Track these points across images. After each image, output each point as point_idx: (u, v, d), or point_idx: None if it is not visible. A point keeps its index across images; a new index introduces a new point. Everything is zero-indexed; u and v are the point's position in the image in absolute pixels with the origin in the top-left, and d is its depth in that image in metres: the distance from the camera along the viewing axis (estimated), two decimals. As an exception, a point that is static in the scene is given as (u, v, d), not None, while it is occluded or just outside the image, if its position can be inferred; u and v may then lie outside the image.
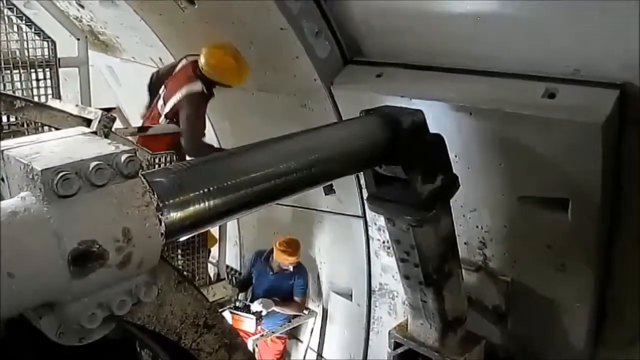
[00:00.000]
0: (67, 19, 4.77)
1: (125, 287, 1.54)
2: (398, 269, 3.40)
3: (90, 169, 1.41)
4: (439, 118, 3.37)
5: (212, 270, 4.90)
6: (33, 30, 4.07)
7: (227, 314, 5.52)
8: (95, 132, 1.72)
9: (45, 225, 1.36)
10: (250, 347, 5.25)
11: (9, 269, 1.28)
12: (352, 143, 2.57)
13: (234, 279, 6.13)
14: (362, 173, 3.28)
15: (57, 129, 2.90)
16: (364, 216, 4.78)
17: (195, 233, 3.69)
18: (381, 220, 4.13)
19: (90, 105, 3.88)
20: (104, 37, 6.61)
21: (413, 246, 3.10)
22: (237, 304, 5.74)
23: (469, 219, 3.83)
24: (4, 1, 4.10)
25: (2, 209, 1.36)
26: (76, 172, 1.39)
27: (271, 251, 5.63)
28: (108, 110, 3.22)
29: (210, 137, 4.64)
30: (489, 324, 3.97)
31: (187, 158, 4.31)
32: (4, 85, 4.00)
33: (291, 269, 5.62)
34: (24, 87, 4.07)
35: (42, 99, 4.00)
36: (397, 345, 3.76)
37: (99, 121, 3.00)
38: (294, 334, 6.16)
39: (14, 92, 3.93)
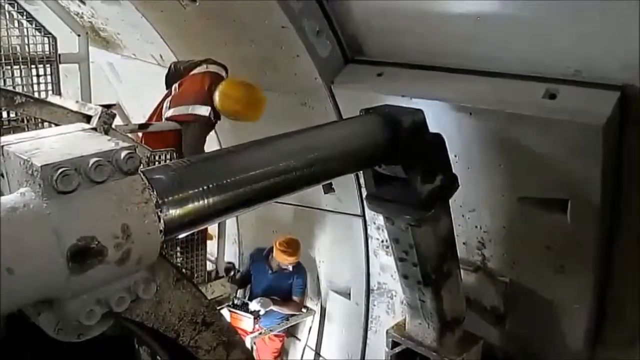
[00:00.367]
0: (68, 15, 4.75)
1: (124, 283, 1.54)
2: (397, 268, 3.40)
3: (89, 165, 1.41)
4: (439, 118, 3.37)
5: (209, 267, 4.90)
6: (34, 26, 4.05)
7: (225, 312, 5.52)
8: (95, 129, 1.71)
9: (45, 221, 1.36)
10: (248, 345, 5.26)
11: (8, 264, 1.28)
12: (352, 142, 2.56)
13: (234, 273, 6.11)
14: (361, 172, 3.28)
15: (57, 125, 2.90)
16: (363, 215, 4.78)
17: (194, 230, 3.71)
18: (380, 220, 4.13)
19: (90, 102, 3.88)
20: (104, 33, 6.61)
21: (412, 245, 3.10)
22: (236, 301, 5.74)
23: (468, 219, 3.83)
24: (5, -3, 4.09)
25: (2, 204, 1.35)
26: (76, 168, 1.39)
27: (271, 250, 5.63)
28: (108, 106, 3.22)
29: (210, 136, 4.63)
30: (487, 325, 3.97)
31: None
32: (4, 80, 3.99)
33: (290, 269, 5.62)
34: (24, 82, 4.06)
35: (43, 95, 3.99)
36: (394, 344, 3.76)
37: (99, 118, 2.99)
38: (292, 333, 6.16)
39: (14, 87, 3.92)
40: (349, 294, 5.33)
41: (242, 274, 6.01)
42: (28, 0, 4.60)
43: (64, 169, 1.36)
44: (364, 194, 3.24)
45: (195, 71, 4.64)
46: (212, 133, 5.27)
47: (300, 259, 5.65)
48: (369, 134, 2.65)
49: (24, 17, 4.02)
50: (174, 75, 4.80)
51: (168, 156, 3.85)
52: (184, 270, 4.22)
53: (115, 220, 1.45)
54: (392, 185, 2.94)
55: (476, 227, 3.83)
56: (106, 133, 2.92)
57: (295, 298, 5.71)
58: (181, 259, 4.37)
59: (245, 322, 5.63)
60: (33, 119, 3.15)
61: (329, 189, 4.87)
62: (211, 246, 4.91)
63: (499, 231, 3.73)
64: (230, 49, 4.87)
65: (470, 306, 3.89)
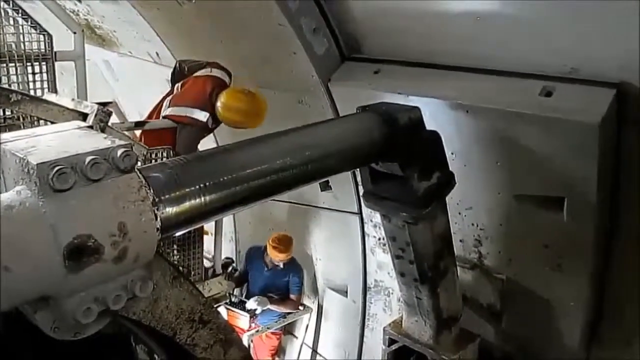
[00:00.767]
0: (64, 13, 4.73)
1: (120, 281, 1.54)
2: (393, 266, 3.40)
3: (86, 163, 1.41)
4: (435, 115, 3.38)
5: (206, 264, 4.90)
6: (29, 23, 4.03)
7: (222, 310, 5.52)
8: (91, 127, 1.71)
9: (41, 219, 1.36)
10: (245, 343, 5.26)
11: (4, 263, 1.28)
12: (349, 139, 2.56)
13: (232, 269, 6.09)
14: (358, 170, 3.28)
15: (52, 123, 2.89)
16: (360, 213, 4.78)
17: (191, 228, 3.71)
18: (377, 217, 4.14)
19: (86, 100, 3.86)
20: (100, 31, 6.59)
21: (408, 243, 3.11)
22: (233, 299, 5.74)
23: (465, 217, 3.84)
24: (1, -6, 4.08)
25: (-2, 202, 1.35)
26: (72, 166, 1.39)
27: (266, 247, 5.64)
28: (104, 104, 3.20)
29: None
30: (483, 322, 3.98)
31: None
32: (0, 78, 3.97)
33: (282, 266, 5.62)
34: (19, 80, 4.05)
35: (38, 93, 3.98)
36: (391, 341, 3.77)
37: (95, 115, 2.98)
38: (289, 330, 6.17)
39: (9, 85, 3.91)
40: (346, 292, 5.34)
41: (239, 272, 6.02)
42: (24, -3, 4.58)
43: (60, 167, 1.36)
44: (361, 191, 3.24)
45: (198, 73, 4.61)
46: (210, 132, 5.26)
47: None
48: (366, 131, 2.65)
49: (20, 15, 4.00)
50: (178, 74, 4.78)
51: (165, 154, 3.84)
52: (180, 268, 4.22)
53: (111, 218, 1.44)
54: (389, 183, 2.94)
55: (473, 224, 3.84)
56: (102, 131, 2.92)
57: (292, 296, 5.71)
58: (178, 257, 4.37)
59: (242, 320, 5.64)
60: (29, 117, 3.15)
61: (325, 186, 4.89)
62: (208, 244, 4.91)
63: (495, 229, 3.74)
64: (227, 46, 4.86)
65: (467, 304, 3.90)
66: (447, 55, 3.61)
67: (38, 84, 4.11)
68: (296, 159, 2.21)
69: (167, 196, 1.69)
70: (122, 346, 2.35)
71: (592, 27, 2.84)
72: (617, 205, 3.20)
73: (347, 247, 5.07)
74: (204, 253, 4.70)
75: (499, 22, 3.20)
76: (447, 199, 3.15)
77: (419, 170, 2.84)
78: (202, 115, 4.34)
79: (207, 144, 4.57)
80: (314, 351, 5.93)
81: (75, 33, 4.46)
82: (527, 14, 3.06)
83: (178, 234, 3.92)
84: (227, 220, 6.00)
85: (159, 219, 1.58)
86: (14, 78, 4.03)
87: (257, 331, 5.64)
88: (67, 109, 3.04)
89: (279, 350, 6.23)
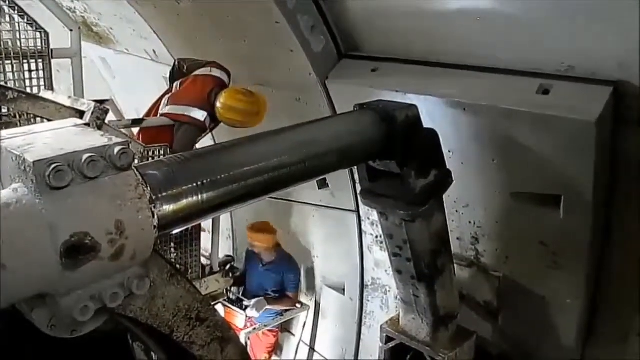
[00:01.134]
0: (61, 10, 4.70)
1: (117, 279, 1.54)
2: (390, 263, 3.41)
3: (82, 161, 1.40)
4: (433, 113, 3.38)
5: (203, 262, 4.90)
6: (26, 20, 4.02)
7: (219, 307, 5.52)
8: (88, 124, 1.71)
9: (38, 217, 1.36)
10: (242, 341, 5.26)
11: (1, 260, 1.28)
12: (346, 137, 2.56)
13: (230, 267, 6.08)
14: (355, 168, 3.28)
15: (49, 120, 2.89)
16: (357, 211, 4.79)
17: (188, 226, 3.71)
18: (374, 215, 4.14)
19: (83, 97, 3.85)
20: (97, 28, 6.57)
21: (406, 241, 3.11)
22: (231, 296, 5.74)
23: (462, 215, 3.84)
24: (-4, -9, 4.06)
25: (-6, 200, 1.35)
26: (69, 164, 1.39)
27: None
28: (101, 102, 3.20)
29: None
30: (480, 320, 3.99)
31: None
32: (-4, 76, 3.97)
33: (269, 258, 5.62)
34: (16, 78, 4.03)
35: (35, 90, 3.96)
36: (388, 339, 3.77)
37: (92, 113, 2.98)
38: (286, 328, 6.17)
39: (6, 83, 3.89)
40: (343, 290, 5.34)
41: (240, 272, 5.98)
42: (20, -6, 4.56)
43: (56, 164, 1.36)
44: (358, 189, 3.24)
45: (198, 72, 4.60)
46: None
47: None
48: (363, 129, 2.65)
49: (16, 12, 3.99)
50: (177, 73, 4.78)
51: (162, 152, 3.84)
52: (178, 266, 4.22)
53: (108, 216, 1.44)
54: (386, 181, 2.95)
55: (470, 222, 3.84)
56: (99, 129, 2.91)
57: (289, 293, 5.72)
58: (175, 254, 4.36)
59: (238, 318, 5.64)
60: (25, 115, 3.14)
61: (323, 184, 4.88)
62: (205, 242, 4.91)
63: (492, 226, 3.75)
64: (224, 44, 4.85)
65: (464, 301, 3.91)
66: (445, 54, 3.61)
67: (35, 82, 4.09)
68: (293, 157, 2.21)
69: (164, 194, 1.69)
70: (120, 344, 2.35)
71: (589, 25, 2.85)
72: (613, 203, 3.21)
73: (345, 244, 5.07)
74: (202, 251, 4.70)
75: (496, 20, 3.20)
76: (444, 196, 3.16)
77: (417, 168, 2.84)
78: (200, 115, 4.34)
79: (204, 141, 4.57)
80: (312, 349, 5.93)
81: (71, 30, 4.44)
82: (524, 12, 3.06)
83: (175, 231, 3.92)
84: (225, 218, 6.01)
85: (156, 216, 1.58)
86: (10, 75, 4.01)
87: (255, 329, 5.64)
88: (64, 106, 3.03)
89: (276, 348, 6.24)
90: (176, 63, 4.83)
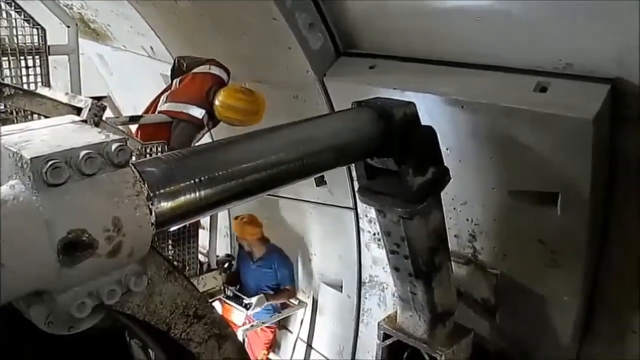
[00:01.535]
0: (57, 6, 4.68)
1: (115, 276, 1.54)
2: (388, 261, 3.41)
3: (80, 157, 1.40)
4: (431, 111, 3.38)
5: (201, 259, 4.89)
6: (22, 17, 4.01)
7: (217, 304, 5.52)
8: (85, 121, 1.70)
9: (35, 214, 1.35)
10: (240, 337, 5.26)
11: (-3, 257, 1.28)
12: (344, 135, 2.56)
13: (229, 265, 6.07)
14: (353, 165, 3.28)
15: (46, 117, 2.88)
16: (355, 208, 4.79)
17: (186, 223, 3.70)
18: (372, 212, 4.14)
19: (80, 94, 3.84)
20: (94, 25, 6.55)
21: (403, 238, 3.11)
22: (228, 292, 5.73)
23: (460, 212, 3.85)
24: (-7, -12, 4.04)
25: (-9, 197, 1.35)
26: (66, 160, 1.38)
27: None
28: (98, 99, 3.19)
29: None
30: (477, 317, 4.00)
31: None
32: (-7, 72, 3.95)
33: (260, 253, 5.61)
34: (12, 74, 4.02)
35: (32, 87, 3.95)
36: (386, 336, 3.77)
37: (89, 110, 2.97)
38: (284, 325, 6.18)
39: (2, 79, 3.88)
40: (341, 287, 5.35)
41: (231, 271, 5.98)
42: (17, -10, 4.54)
43: (54, 161, 1.35)
44: (356, 186, 3.24)
45: (197, 70, 4.59)
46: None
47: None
48: (361, 126, 2.65)
49: (12, 8, 3.97)
50: (177, 71, 4.77)
51: (159, 149, 3.83)
52: (175, 262, 4.22)
53: (106, 213, 1.44)
54: (384, 178, 2.95)
55: (467, 220, 3.85)
56: (96, 125, 2.90)
57: (286, 287, 5.73)
58: (173, 251, 4.36)
59: (236, 315, 5.64)
60: (22, 111, 3.13)
61: (320, 181, 4.88)
62: (203, 239, 4.90)
63: (490, 224, 3.75)
64: (222, 41, 4.85)
65: (461, 299, 3.92)
66: (443, 51, 3.61)
67: (31, 78, 4.08)
68: (291, 154, 2.21)
69: (161, 191, 1.68)
70: (117, 340, 2.35)
71: (587, 22, 2.85)
72: (611, 201, 3.22)
73: (342, 242, 5.07)
74: (199, 248, 4.70)
75: (494, 18, 3.20)
76: (442, 194, 3.16)
77: (414, 166, 2.84)
78: (198, 113, 4.33)
79: (203, 140, 4.56)
80: (309, 346, 5.94)
81: (68, 27, 4.43)
82: (522, 10, 3.06)
83: (173, 228, 3.92)
84: (222, 215, 6.00)
85: (153, 213, 1.58)
86: (7, 72, 4.00)
87: (252, 326, 5.65)
88: (61, 103, 3.02)
89: (274, 345, 6.24)
90: (176, 61, 4.83)
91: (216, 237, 4.96)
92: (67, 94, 3.15)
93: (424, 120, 2.94)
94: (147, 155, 3.69)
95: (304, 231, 5.67)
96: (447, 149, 3.40)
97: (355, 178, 3.95)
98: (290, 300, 5.95)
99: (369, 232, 4.75)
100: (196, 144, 4.37)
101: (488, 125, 3.39)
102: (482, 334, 3.96)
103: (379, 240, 4.47)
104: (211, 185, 1.85)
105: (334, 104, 4.31)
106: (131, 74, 6.87)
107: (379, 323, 3.85)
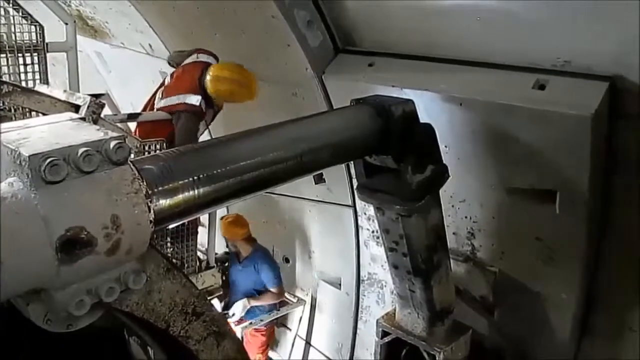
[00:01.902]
0: (55, 3, 4.67)
1: (113, 274, 1.54)
2: (387, 258, 3.41)
3: (78, 155, 1.40)
4: (429, 108, 3.38)
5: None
6: (20, 14, 4.00)
7: (215, 302, 5.51)
8: (83, 118, 1.70)
9: (33, 211, 1.35)
10: (238, 335, 5.25)
11: (-4, 254, 1.27)
12: (343, 132, 2.56)
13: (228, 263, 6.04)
14: (352, 162, 3.28)
15: (44, 114, 2.87)
16: (353, 206, 4.79)
17: (185, 220, 3.71)
18: (371, 210, 4.15)
19: (78, 91, 3.84)
20: (93, 22, 6.54)
21: (402, 236, 3.11)
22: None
23: (458, 210, 3.85)
24: (-9, -15, 4.03)
25: (-11, 194, 1.34)
26: (64, 158, 1.38)
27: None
28: (97, 96, 3.18)
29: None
30: (476, 314, 4.00)
31: None
32: (-8, 69, 3.95)
33: (246, 253, 5.56)
34: (11, 72, 4.02)
35: (30, 84, 3.95)
36: (384, 334, 3.78)
37: (88, 107, 2.97)
38: (282, 323, 6.18)
39: (1, 76, 3.88)
40: (340, 284, 5.35)
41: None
42: (15, -12, 4.53)
43: (52, 158, 1.35)
44: (355, 184, 3.24)
45: (186, 62, 4.64)
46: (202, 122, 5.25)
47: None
48: (360, 124, 2.65)
49: (10, 5, 3.97)
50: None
51: (158, 146, 3.83)
52: (174, 260, 4.22)
53: (104, 210, 1.44)
54: (383, 176, 2.95)
55: (466, 217, 3.85)
56: (95, 123, 2.90)
57: (270, 288, 5.60)
58: (171, 249, 4.36)
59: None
60: (20, 109, 3.12)
61: (319, 179, 4.88)
62: (202, 236, 4.91)
63: (488, 222, 3.75)
64: (221, 39, 4.84)
65: (460, 296, 3.92)
66: (441, 48, 3.60)
67: (30, 75, 4.08)
68: (290, 152, 2.21)
69: (160, 188, 1.68)
70: (116, 338, 2.35)
71: (585, 20, 2.85)
72: (609, 198, 3.22)
73: (341, 239, 5.08)
74: (198, 245, 4.70)
75: (492, 16, 3.19)
76: (440, 191, 3.16)
77: (413, 163, 2.84)
78: (195, 100, 4.35)
79: (202, 139, 4.56)
80: (308, 343, 5.95)
81: (67, 24, 4.42)
82: (521, 8, 3.06)
83: (171, 226, 3.92)
84: (221, 212, 6.00)
85: (152, 211, 1.58)
86: (5, 69, 4.00)
87: (251, 323, 5.63)
88: (59, 100, 3.02)
89: (272, 344, 6.21)
90: (168, 61, 4.88)
91: (215, 234, 4.97)
92: (65, 91, 3.15)
93: (423, 118, 2.94)
94: (146, 153, 3.69)
95: (302, 229, 5.67)
96: (445, 147, 3.40)
97: (354, 176, 3.95)
98: (288, 298, 5.93)
99: (368, 229, 4.75)
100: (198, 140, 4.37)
101: (486, 123, 3.39)
102: (481, 331, 3.96)
103: (378, 237, 4.47)
104: (210, 182, 1.85)
105: (333, 102, 4.31)
106: (130, 72, 6.85)
107: (377, 320, 3.85)
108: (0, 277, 1.29)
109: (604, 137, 3.03)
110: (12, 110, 3.40)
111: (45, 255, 1.35)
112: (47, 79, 4.16)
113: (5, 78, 3.86)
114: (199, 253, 4.86)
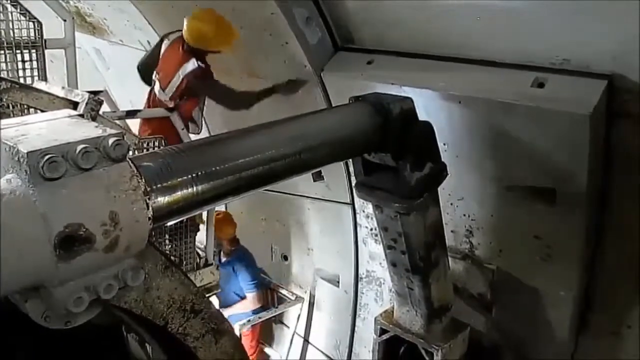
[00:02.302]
0: (54, 0, 4.67)
1: (112, 271, 1.54)
2: (385, 256, 3.41)
3: (77, 152, 1.40)
4: (428, 106, 3.38)
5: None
6: (19, 10, 3.99)
7: (214, 299, 5.49)
8: (82, 115, 1.70)
9: (32, 208, 1.35)
10: (237, 333, 5.24)
11: (-6, 251, 1.27)
12: (342, 130, 2.56)
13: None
14: (350, 160, 3.28)
15: (43, 111, 2.86)
16: (352, 203, 4.79)
17: (183, 217, 3.71)
18: (369, 208, 4.15)
19: (77, 88, 3.83)
20: (91, 18, 6.52)
21: (400, 234, 3.12)
22: None
23: (457, 207, 3.85)
24: (-11, -19, 4.02)
25: (-13, 191, 1.34)
26: (63, 155, 1.38)
27: None
28: (95, 93, 3.17)
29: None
30: (474, 312, 4.01)
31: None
32: (-11, 66, 3.94)
33: (227, 252, 5.50)
34: (9, 68, 4.00)
35: (28, 81, 3.94)
36: (383, 331, 3.79)
37: (86, 104, 2.96)
38: (280, 320, 6.18)
39: (-1, 73, 3.87)
40: (338, 282, 5.35)
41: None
42: (13, -16, 4.52)
43: (50, 155, 1.35)
44: (353, 182, 3.24)
45: (163, 47, 4.66)
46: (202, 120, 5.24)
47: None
48: (359, 122, 2.65)
49: (9, 2, 3.96)
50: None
51: (157, 143, 3.82)
52: (172, 257, 4.21)
53: (103, 207, 1.44)
54: (382, 174, 2.95)
55: (464, 215, 3.85)
56: (93, 120, 2.89)
57: (247, 294, 5.52)
58: (170, 246, 4.35)
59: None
60: (19, 105, 3.11)
61: (318, 176, 4.88)
62: (200, 234, 4.90)
63: (486, 219, 3.76)
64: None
65: (458, 294, 3.93)
66: (440, 46, 3.60)
67: (28, 72, 4.07)
68: (288, 149, 2.21)
69: (158, 185, 1.68)
70: (114, 335, 2.35)
71: (584, 18, 2.85)
72: (607, 196, 3.22)
73: (339, 237, 5.08)
74: (197, 243, 4.69)
75: (491, 14, 3.19)
76: (439, 189, 3.16)
77: (412, 161, 2.84)
78: (191, 64, 4.35)
79: (200, 137, 4.55)
80: (306, 341, 5.95)
81: (65, 20, 4.40)
82: (520, 6, 3.06)
83: (170, 223, 3.91)
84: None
85: (150, 208, 1.58)
86: (3, 66, 3.98)
87: (249, 321, 5.62)
88: (58, 97, 3.01)
89: (258, 346, 6.17)
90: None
91: (213, 232, 4.96)
92: (63, 88, 3.13)
93: (421, 116, 2.94)
94: (144, 150, 3.68)
95: (301, 226, 5.67)
96: (444, 145, 3.40)
97: (352, 173, 3.95)
98: (287, 295, 5.92)
99: (367, 227, 4.76)
100: (192, 139, 4.36)
101: (485, 121, 3.39)
102: (479, 328, 3.97)
103: (376, 235, 4.48)
104: (208, 180, 1.85)
105: (332, 99, 4.30)
106: (128, 69, 6.82)
107: (375, 318, 3.86)
108: (-2, 273, 1.29)
109: (602, 135, 3.03)
110: (10, 107, 3.39)
111: (44, 252, 1.35)
112: (46, 75, 4.15)
113: (3, 74, 3.85)
114: (197, 250, 4.85)
